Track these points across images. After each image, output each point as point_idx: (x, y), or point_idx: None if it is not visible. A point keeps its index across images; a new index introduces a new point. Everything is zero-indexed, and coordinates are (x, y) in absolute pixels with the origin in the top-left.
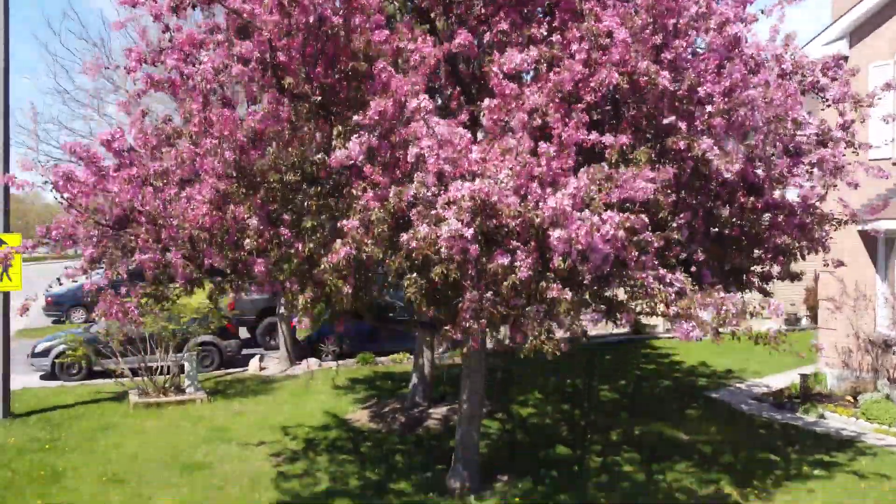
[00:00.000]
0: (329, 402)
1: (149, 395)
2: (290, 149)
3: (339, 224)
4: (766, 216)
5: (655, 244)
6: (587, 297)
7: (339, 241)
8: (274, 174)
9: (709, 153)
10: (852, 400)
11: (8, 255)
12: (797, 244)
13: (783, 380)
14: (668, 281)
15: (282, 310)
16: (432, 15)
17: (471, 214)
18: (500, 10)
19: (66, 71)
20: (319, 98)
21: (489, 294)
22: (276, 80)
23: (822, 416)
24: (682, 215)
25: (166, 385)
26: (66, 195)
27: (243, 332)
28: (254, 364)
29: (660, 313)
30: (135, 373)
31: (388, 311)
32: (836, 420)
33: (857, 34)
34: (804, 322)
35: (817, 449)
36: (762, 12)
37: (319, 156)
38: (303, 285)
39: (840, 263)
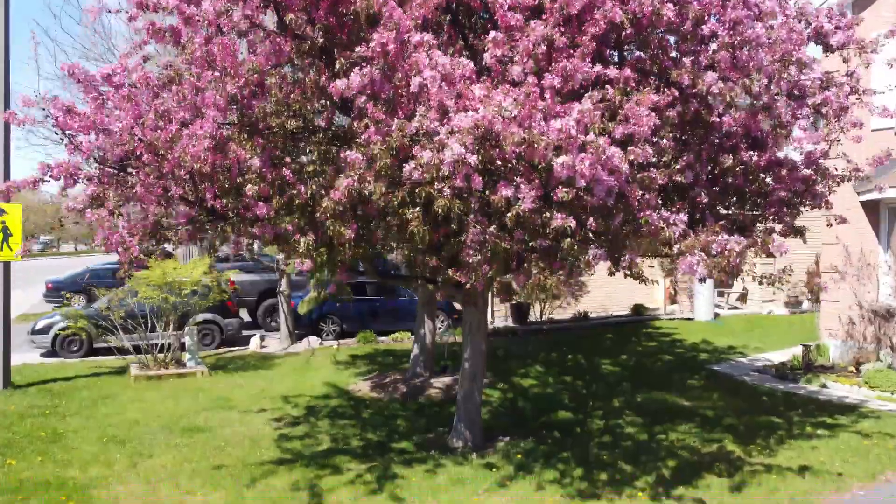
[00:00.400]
0: (330, 375)
1: (149, 368)
2: (292, 96)
3: (341, 155)
4: (769, 179)
5: (659, 181)
6: (591, 235)
7: (340, 176)
8: (274, 118)
9: (714, 86)
10: (855, 370)
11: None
12: (799, 199)
13: (785, 355)
14: (671, 221)
15: (283, 288)
16: None
17: (474, 140)
18: None
19: (65, 54)
20: (321, 40)
21: (492, 228)
22: (277, 16)
23: (824, 386)
24: (685, 157)
25: (167, 359)
26: (67, 131)
27: (244, 315)
28: (254, 342)
29: (663, 253)
30: (136, 350)
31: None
32: (839, 389)
33: (860, 4)
34: (805, 305)
35: (820, 413)
36: None
37: (322, 101)
38: (303, 230)
39: (843, 220)
